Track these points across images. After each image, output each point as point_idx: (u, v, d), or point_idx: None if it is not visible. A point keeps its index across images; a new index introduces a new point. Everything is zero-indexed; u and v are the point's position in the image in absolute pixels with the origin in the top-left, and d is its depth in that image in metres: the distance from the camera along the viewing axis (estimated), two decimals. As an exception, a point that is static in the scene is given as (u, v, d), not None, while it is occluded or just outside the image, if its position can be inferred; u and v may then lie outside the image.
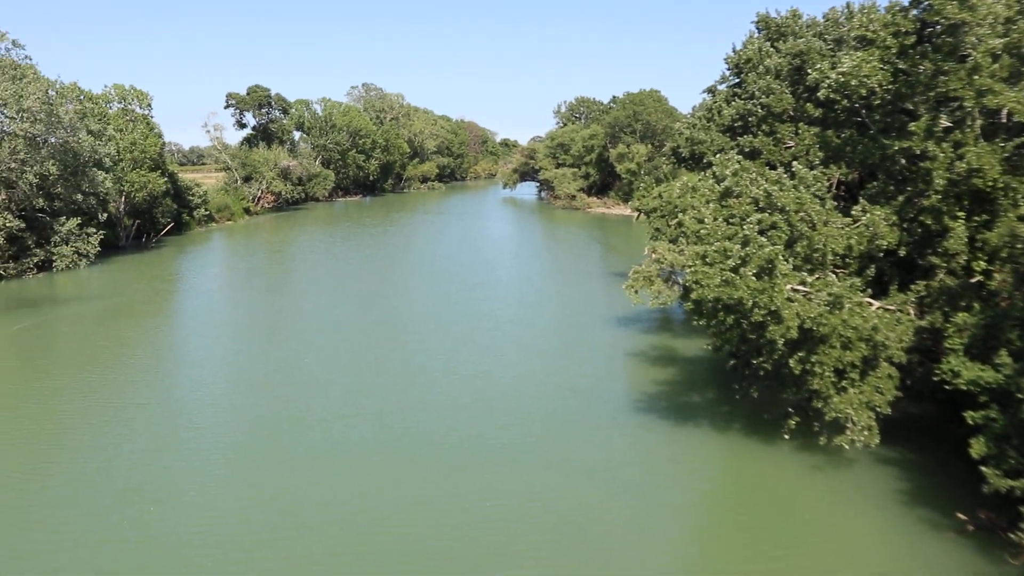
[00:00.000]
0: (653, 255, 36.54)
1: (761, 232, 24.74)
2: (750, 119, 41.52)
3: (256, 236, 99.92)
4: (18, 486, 23.81)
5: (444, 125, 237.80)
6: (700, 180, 33.09)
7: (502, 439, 27.31)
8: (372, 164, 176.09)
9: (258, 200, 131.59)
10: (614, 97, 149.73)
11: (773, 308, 23.14)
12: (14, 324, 47.07)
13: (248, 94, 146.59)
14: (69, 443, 27.43)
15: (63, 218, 68.93)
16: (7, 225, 61.46)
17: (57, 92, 68.99)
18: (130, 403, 31.30)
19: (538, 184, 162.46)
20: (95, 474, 24.55)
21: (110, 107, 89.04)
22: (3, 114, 64.33)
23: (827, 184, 28.65)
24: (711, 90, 49.58)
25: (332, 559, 19.63)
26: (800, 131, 36.73)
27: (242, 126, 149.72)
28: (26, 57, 69.18)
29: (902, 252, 25.55)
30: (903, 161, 26.31)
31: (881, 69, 26.35)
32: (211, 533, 20.94)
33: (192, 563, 19.43)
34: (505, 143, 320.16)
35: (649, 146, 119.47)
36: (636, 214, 63.86)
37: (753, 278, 23.49)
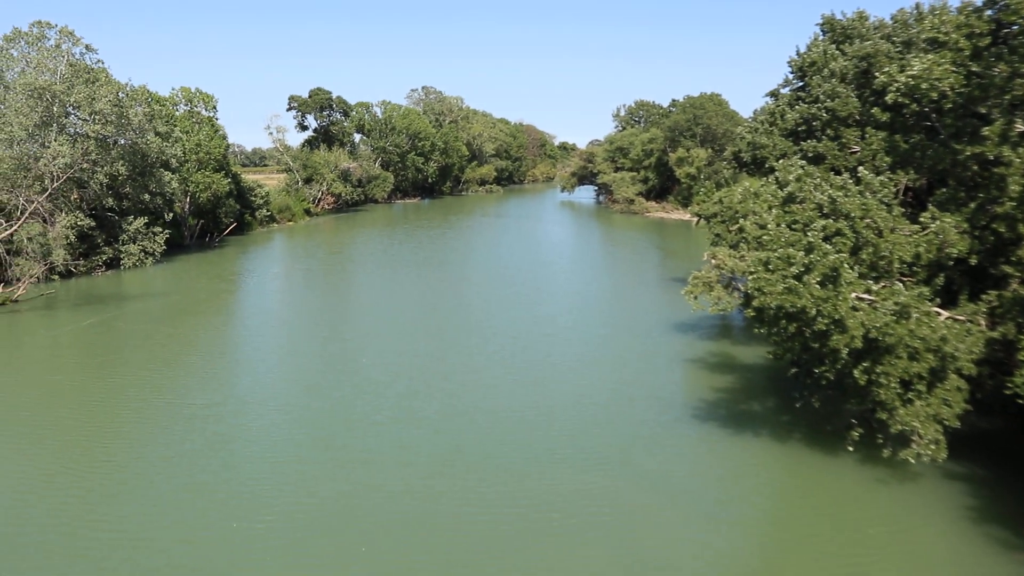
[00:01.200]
0: (713, 261, 36.13)
1: (825, 239, 24.20)
2: (814, 123, 40.65)
3: (316, 237, 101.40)
4: (79, 481, 24.41)
5: (503, 128, 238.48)
6: (762, 185, 32.54)
7: (559, 445, 27.15)
8: (431, 167, 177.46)
9: (318, 201, 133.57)
10: (674, 100, 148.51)
11: (837, 317, 22.61)
12: (84, 320, 48.53)
13: (310, 97, 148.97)
14: (130, 439, 28.09)
15: (131, 217, 70.91)
16: (78, 223, 63.36)
17: (127, 95, 70.92)
18: (189, 402, 31.88)
19: (596, 188, 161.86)
20: (155, 471, 25.04)
21: (177, 109, 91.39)
22: (76, 116, 66.40)
23: (894, 190, 27.86)
24: (774, 94, 48.69)
25: (387, 559, 19.70)
26: (866, 136, 35.83)
27: (304, 128, 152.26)
28: (98, 61, 71.42)
29: (973, 261, 24.75)
30: (975, 167, 25.48)
31: (953, 72, 25.56)
32: (265, 534, 21.18)
33: (246, 563, 19.67)
34: (563, 146, 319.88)
35: (709, 150, 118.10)
36: (695, 219, 63.14)
37: (817, 286, 22.98)
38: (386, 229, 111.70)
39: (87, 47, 70.11)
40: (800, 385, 28.40)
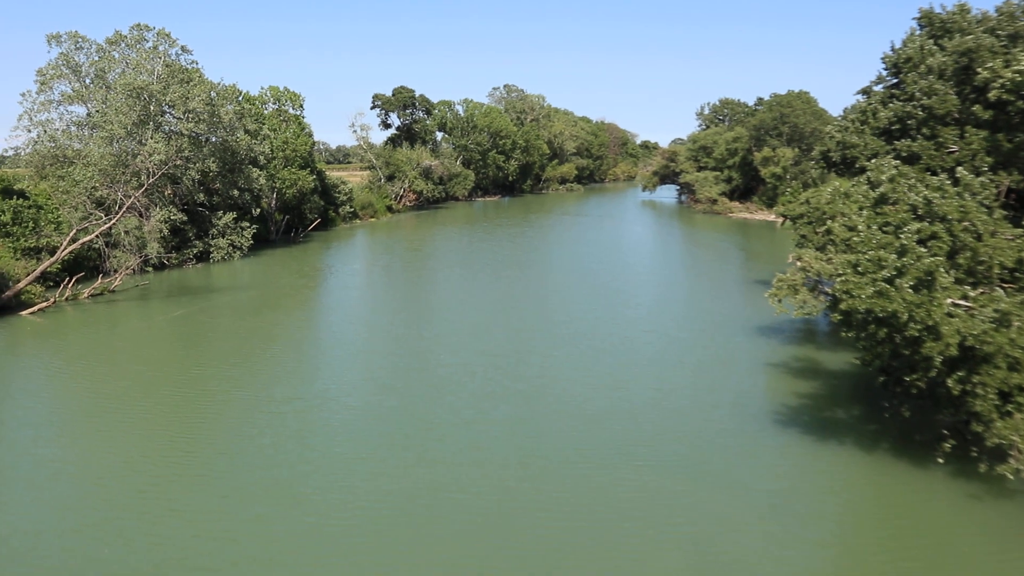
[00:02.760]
0: (798, 263, 35.11)
1: (920, 242, 23.23)
2: (909, 122, 39.15)
3: (397, 233, 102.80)
4: (159, 470, 25.11)
5: (584, 126, 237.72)
6: (852, 186, 31.51)
7: (636, 449, 26.75)
8: (512, 165, 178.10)
9: (400, 198, 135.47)
10: (759, 98, 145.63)
11: (931, 323, 21.67)
12: (174, 311, 50.26)
13: (393, 95, 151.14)
14: (210, 432, 28.81)
15: (220, 212, 73.23)
16: (172, 218, 65.70)
17: (218, 94, 73.18)
18: (268, 397, 32.49)
19: (678, 187, 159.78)
20: (232, 464, 25.59)
21: (266, 108, 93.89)
22: (171, 115, 68.83)
23: (995, 192, 26.60)
24: (866, 91, 47.08)
25: (459, 560, 19.72)
26: (966, 135, 34.32)
27: (387, 126, 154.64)
28: (192, 61, 73.96)
29: (1081, 267, 23.43)
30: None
31: (1062, 68, 24.26)
32: (338, 531, 21.44)
33: (319, 559, 19.95)
34: (645, 145, 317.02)
35: (796, 150, 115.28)
36: (780, 220, 61.62)
37: (910, 290, 22.08)
38: (466, 227, 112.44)
39: (183, 48, 72.74)
40: (889, 393, 27.37)
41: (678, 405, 31.15)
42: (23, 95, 69.83)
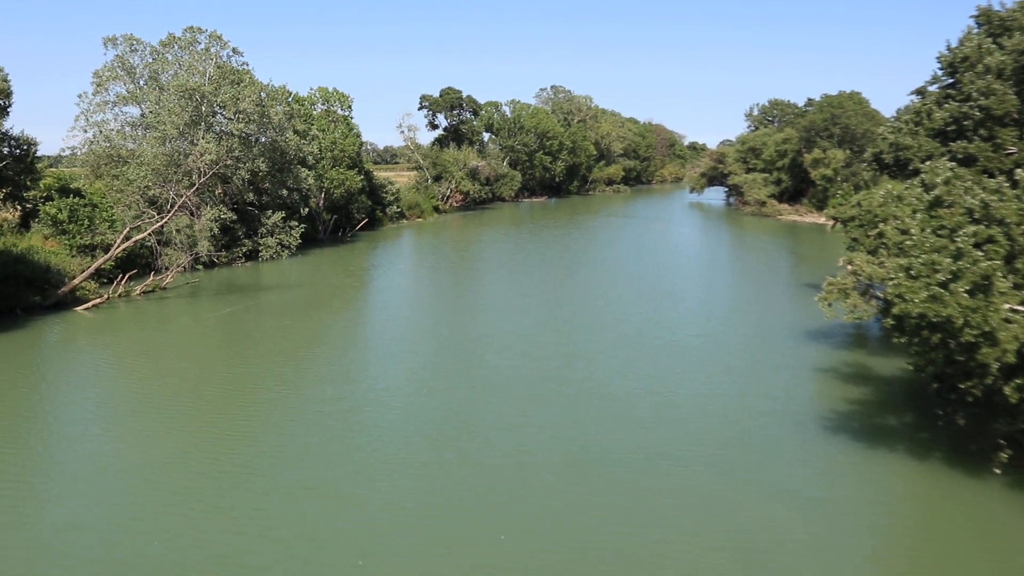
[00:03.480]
0: (849, 266, 34.40)
1: (976, 246, 22.54)
2: (965, 123, 38.15)
3: (443, 234, 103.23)
4: (203, 467, 25.42)
5: (631, 128, 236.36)
6: (906, 188, 30.77)
7: (683, 454, 26.32)
8: (558, 166, 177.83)
9: (447, 199, 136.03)
10: (810, 99, 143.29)
11: (987, 329, 21.01)
12: (223, 308, 51.04)
13: (441, 96, 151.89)
14: (255, 431, 29.02)
15: (269, 212, 74.21)
16: (222, 216, 66.72)
17: (268, 95, 74.19)
18: (314, 397, 32.67)
19: (726, 189, 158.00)
20: (276, 464, 25.72)
21: (315, 108, 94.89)
22: (222, 115, 69.94)
23: (1057, 194, 25.72)
24: (920, 91, 45.99)
25: (500, 566, 19.61)
26: (1025, 135, 33.33)
27: (434, 127, 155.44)
28: (243, 63, 75.07)
29: None
30: None
31: None
32: (380, 532, 21.47)
33: (363, 560, 19.98)
34: (693, 146, 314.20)
35: (847, 151, 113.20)
36: (831, 223, 60.47)
37: (965, 295, 21.43)
38: (512, 227, 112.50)
39: (234, 50, 73.93)
40: (942, 401, 26.62)
41: (726, 410, 30.67)
42: (80, 96, 71.84)
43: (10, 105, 56.68)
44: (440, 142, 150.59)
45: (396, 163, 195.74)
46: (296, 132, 78.54)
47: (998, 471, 23.19)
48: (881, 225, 31.15)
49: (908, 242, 24.60)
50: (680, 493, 23.26)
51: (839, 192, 72.10)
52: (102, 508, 22.22)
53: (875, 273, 29.99)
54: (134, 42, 72.39)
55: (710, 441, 27.35)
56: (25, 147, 58.42)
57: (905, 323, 23.41)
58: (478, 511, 22.15)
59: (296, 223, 75.79)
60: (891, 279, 24.35)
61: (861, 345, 41.25)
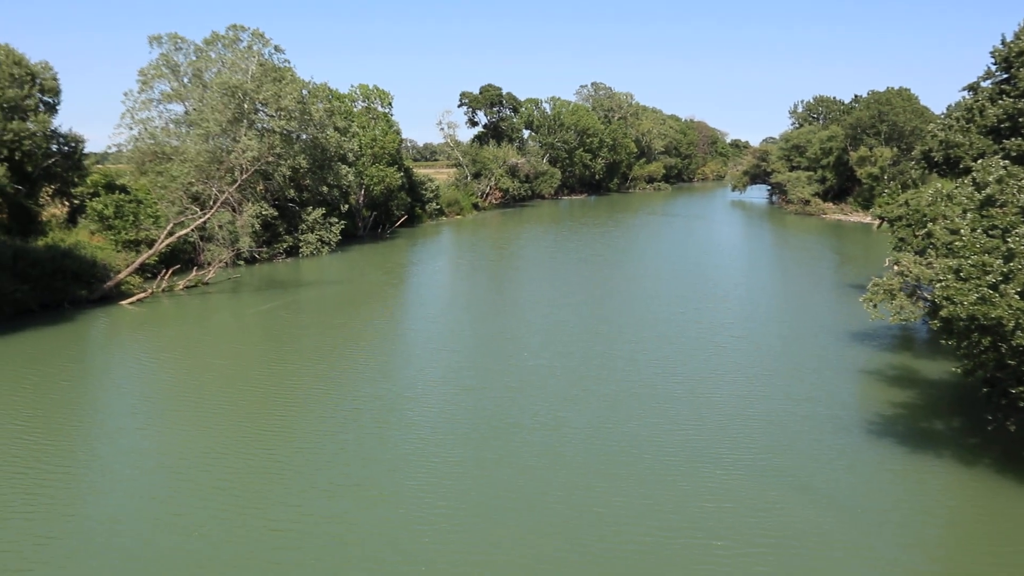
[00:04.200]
0: (896, 267, 33.64)
1: (1029, 246, 21.78)
2: (1020, 119, 37.08)
3: (482, 231, 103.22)
4: (239, 462, 25.54)
5: (672, 125, 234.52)
6: (956, 187, 29.97)
7: (725, 458, 25.82)
8: (598, 163, 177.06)
9: (486, 196, 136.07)
10: (856, 96, 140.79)
11: (1041, 333, 20.29)
12: (263, 304, 51.50)
13: (481, 93, 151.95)
14: (291, 428, 29.06)
15: (310, 208, 74.80)
16: (263, 213, 67.38)
17: (310, 92, 74.77)
18: (351, 394, 32.72)
19: (769, 187, 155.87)
20: (311, 462, 25.73)
21: (355, 105, 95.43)
22: (264, 113, 70.62)
23: (1116, 193, 24.79)
24: (972, 87, 44.87)
25: (543, 563, 19.39)
26: (1082, 133, 32.25)
27: (474, 124, 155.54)
28: (285, 60, 75.78)
29: None
30: None
31: None
32: (416, 532, 21.37)
33: (398, 560, 19.89)
34: (735, 144, 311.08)
35: (894, 149, 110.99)
36: (877, 222, 59.29)
37: (1017, 296, 20.72)
38: (551, 225, 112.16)
39: (276, 48, 74.73)
40: (992, 405, 25.80)
41: (768, 412, 30.08)
42: (125, 94, 73.14)
43: (59, 103, 57.87)
44: (480, 139, 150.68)
45: (436, 160, 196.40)
46: (336, 129, 79.03)
47: (1051, 480, 22.42)
48: (930, 225, 30.41)
49: (958, 242, 23.92)
50: (720, 496, 22.81)
51: (886, 191, 70.72)
52: (142, 502, 22.41)
53: (923, 274, 29.25)
54: (178, 40, 73.49)
55: (752, 444, 26.84)
56: (73, 144, 59.57)
57: (954, 325, 22.76)
58: (513, 511, 21.93)
59: (336, 220, 76.30)
60: (939, 280, 23.69)
61: (907, 347, 40.29)
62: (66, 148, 59.10)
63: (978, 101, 41.55)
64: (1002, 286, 21.16)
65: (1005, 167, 26.04)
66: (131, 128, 72.00)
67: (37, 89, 55.75)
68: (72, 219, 62.49)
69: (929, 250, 30.15)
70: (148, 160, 69.83)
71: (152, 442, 27.03)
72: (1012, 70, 39.68)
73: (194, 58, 73.89)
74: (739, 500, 22.57)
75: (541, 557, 19.51)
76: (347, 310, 51.21)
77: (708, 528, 20.90)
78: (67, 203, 62.87)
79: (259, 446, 26.62)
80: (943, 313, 22.65)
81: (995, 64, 41.99)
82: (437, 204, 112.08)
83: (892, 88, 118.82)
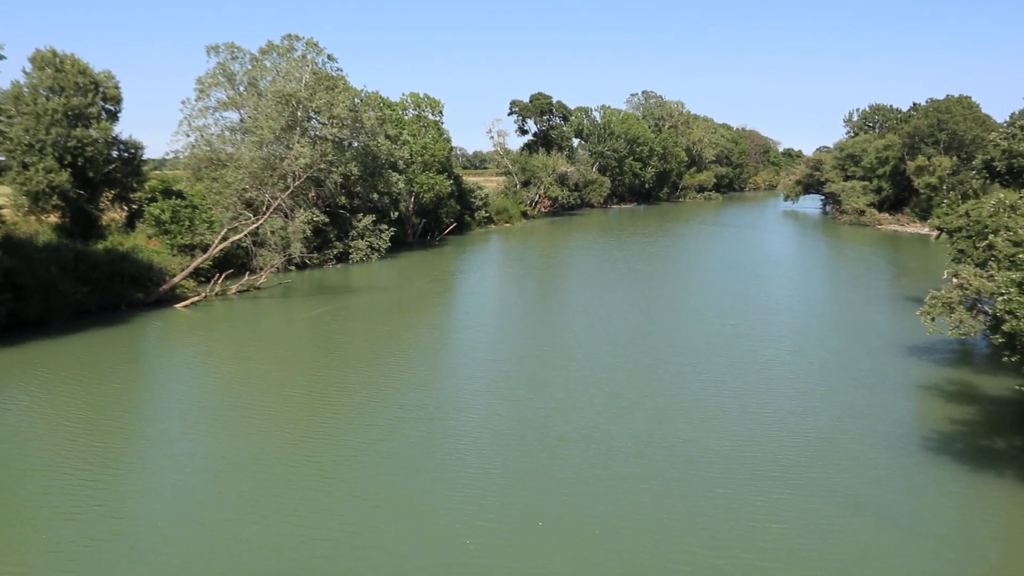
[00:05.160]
0: (955, 279, 32.71)
1: (1099, 259, 21.02)
2: (1087, 128, 35.89)
3: (530, 240, 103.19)
4: (280, 471, 25.75)
5: (724, 134, 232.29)
6: (1020, 198, 29.08)
7: (779, 476, 25.16)
8: (648, 172, 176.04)
9: (535, 204, 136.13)
10: (915, 104, 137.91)
11: (1110, 350, 19.54)
12: (313, 309, 52.09)
13: (531, 101, 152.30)
14: (335, 436, 29.16)
15: (360, 215, 75.53)
16: (315, 219, 68.22)
17: (361, 100, 75.60)
18: (397, 403, 32.58)
19: (822, 197, 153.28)
20: (354, 471, 25.80)
21: (406, 114, 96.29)
22: (317, 120, 71.57)
23: None
24: (1037, 95, 43.54)
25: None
26: None
27: (523, 132, 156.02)
28: (338, 69, 76.82)
29: None
30: None
31: None
32: (458, 543, 21.27)
33: (442, 570, 19.82)
34: (788, 153, 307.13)
35: (954, 159, 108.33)
36: (935, 233, 57.86)
37: (1085, 313, 19.98)
38: (600, 234, 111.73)
39: (329, 57, 75.88)
40: (1057, 425, 24.94)
41: (821, 429, 29.33)
42: (183, 102, 74.65)
43: (120, 111, 59.34)
44: (529, 147, 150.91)
45: (485, 168, 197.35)
46: (388, 137, 79.79)
47: (1120, 503, 21.52)
48: (991, 236, 29.55)
49: (1022, 255, 23.15)
50: (771, 515, 22.29)
51: (945, 201, 69.06)
52: (186, 506, 22.66)
53: (983, 287, 28.39)
54: (235, 50, 74.97)
55: (804, 462, 26.18)
56: (133, 151, 61.03)
57: (1017, 340, 22.04)
58: (558, 525, 21.70)
59: (386, 226, 76.94)
60: (1001, 293, 22.99)
61: (966, 363, 39.14)
62: (126, 154, 60.57)
63: (1043, 110, 40.32)
64: (1069, 301, 20.44)
65: (1072, 177, 25.20)
66: (188, 135, 73.71)
67: (100, 97, 57.27)
68: (130, 223, 63.96)
69: (991, 262, 29.29)
70: (204, 166, 71.28)
71: (198, 446, 27.38)
72: (1080, 78, 38.50)
73: (250, 67, 75.29)
74: (790, 519, 22.04)
75: (585, 572, 19.28)
76: (395, 317, 51.52)
77: (758, 548, 20.42)
78: (126, 208, 64.38)
79: (304, 453, 26.75)
80: (1005, 327, 21.97)
81: (1062, 71, 40.73)
82: (486, 212, 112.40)
83: (952, 96, 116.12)
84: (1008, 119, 52.40)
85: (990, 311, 28.78)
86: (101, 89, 57.40)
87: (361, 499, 23.15)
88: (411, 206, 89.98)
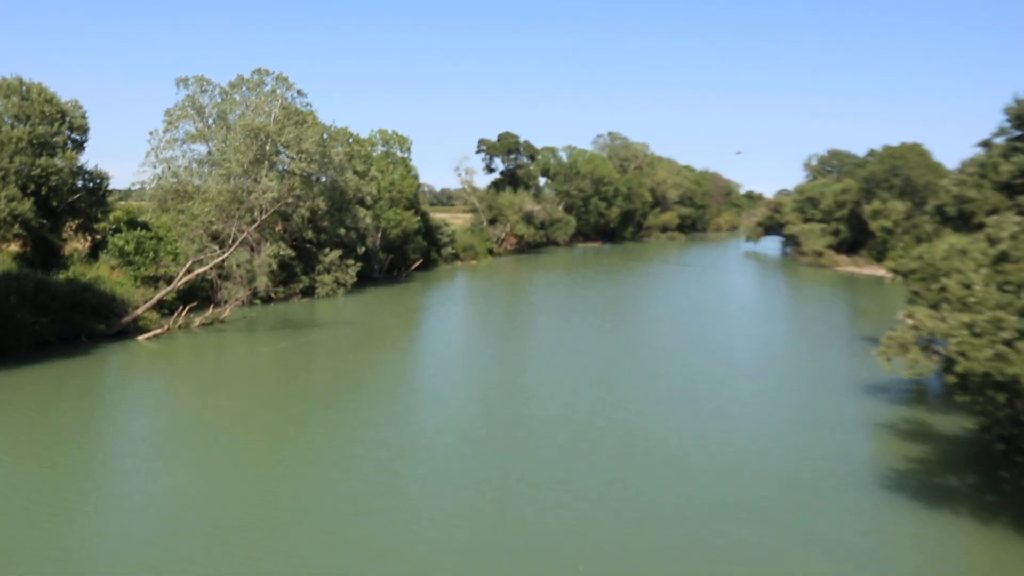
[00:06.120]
0: (909, 320, 33.67)
1: (1044, 303, 21.90)
2: (1034, 177, 37.38)
3: (496, 277, 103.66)
4: (238, 512, 25.50)
5: (687, 175, 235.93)
6: (970, 242, 30.15)
7: (739, 513, 25.47)
8: (613, 212, 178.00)
9: (501, 242, 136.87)
10: (871, 150, 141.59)
11: (1056, 390, 20.31)
12: (277, 343, 51.80)
13: (498, 140, 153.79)
14: (297, 475, 29.06)
15: (327, 249, 75.43)
16: (281, 253, 68.05)
17: (330, 136, 75.99)
18: (361, 440, 32.33)
19: (782, 239, 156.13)
20: (316, 513, 25.68)
21: (374, 150, 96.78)
22: (285, 155, 71.75)
23: None
24: (986, 143, 45.31)
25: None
26: (1097, 192, 32.46)
27: (491, 170, 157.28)
28: (307, 104, 77.16)
29: None
30: None
31: None
32: None
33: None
34: (749, 195, 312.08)
35: (908, 203, 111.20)
36: (890, 275, 59.29)
37: (1032, 354, 20.77)
38: (565, 272, 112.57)
39: (298, 92, 76.25)
40: (1009, 462, 25.67)
41: (781, 467, 29.72)
42: (151, 133, 74.49)
43: (86, 140, 59.03)
44: (496, 185, 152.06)
45: (452, 205, 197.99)
46: (356, 172, 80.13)
47: (1067, 539, 22.20)
48: (943, 279, 30.50)
49: (972, 298, 24.03)
50: (733, 556, 22.47)
51: (899, 244, 70.86)
52: (139, 548, 21.89)
53: (937, 328, 29.28)
54: (204, 83, 75.04)
55: (763, 500, 26.54)
56: (98, 181, 60.57)
57: (969, 381, 22.78)
58: (521, 566, 21.76)
59: (352, 261, 76.92)
60: (954, 336, 23.75)
61: (921, 401, 40.08)
62: (91, 184, 60.09)
63: (992, 157, 41.94)
64: (1017, 343, 21.22)
65: (1019, 223, 26.20)
66: (155, 166, 73.34)
67: (66, 127, 56.95)
68: (94, 254, 63.25)
69: (943, 304, 30.20)
70: (170, 198, 70.88)
71: (153, 484, 26.66)
72: (1026, 128, 40.11)
73: (219, 100, 75.39)
74: (752, 560, 22.27)
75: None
76: (359, 352, 51.44)
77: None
78: (89, 238, 63.70)
79: (262, 492, 26.26)
80: (958, 369, 22.67)
81: (1009, 121, 42.44)
82: (453, 249, 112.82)
83: (906, 143, 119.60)
84: (959, 166, 54.20)
85: (943, 352, 29.67)
86: (67, 119, 57.11)
87: (320, 541, 22.77)
88: (378, 242, 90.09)
